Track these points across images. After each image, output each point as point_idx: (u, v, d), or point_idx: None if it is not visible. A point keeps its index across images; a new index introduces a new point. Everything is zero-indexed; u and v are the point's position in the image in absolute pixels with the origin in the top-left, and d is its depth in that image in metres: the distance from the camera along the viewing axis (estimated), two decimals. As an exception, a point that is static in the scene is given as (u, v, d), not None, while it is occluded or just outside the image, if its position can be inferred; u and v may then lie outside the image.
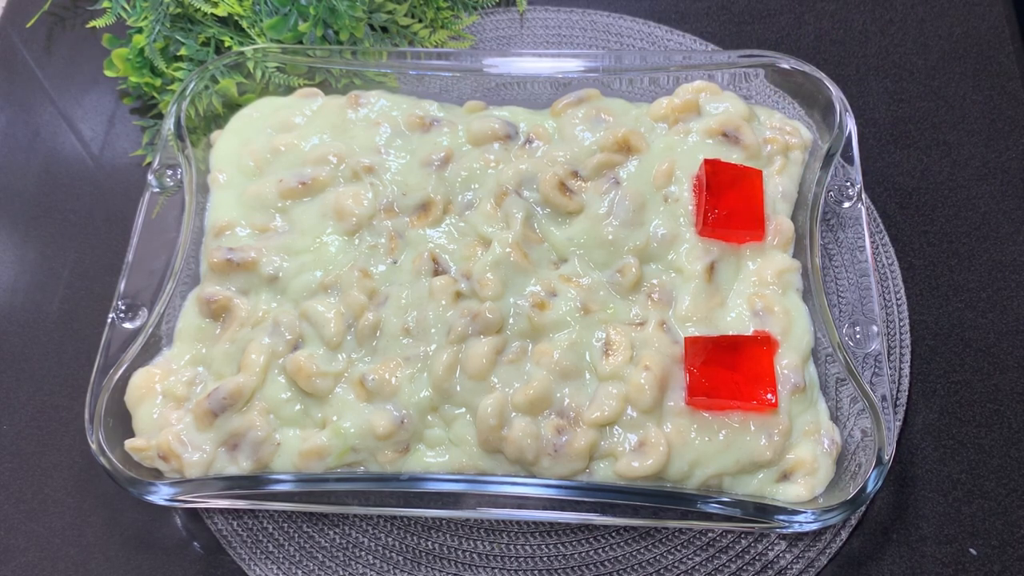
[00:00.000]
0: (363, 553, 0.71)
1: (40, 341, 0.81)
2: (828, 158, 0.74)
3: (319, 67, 0.82)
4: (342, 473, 0.66)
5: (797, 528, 0.65)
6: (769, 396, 0.64)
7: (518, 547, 0.71)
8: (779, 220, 0.72)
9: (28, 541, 0.73)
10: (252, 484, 0.65)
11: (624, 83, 0.80)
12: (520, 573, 0.70)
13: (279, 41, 0.86)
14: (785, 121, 0.78)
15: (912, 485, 0.72)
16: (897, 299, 0.79)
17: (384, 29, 0.91)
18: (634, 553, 0.71)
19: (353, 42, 0.88)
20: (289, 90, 0.82)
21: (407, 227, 0.72)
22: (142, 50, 0.87)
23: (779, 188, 0.74)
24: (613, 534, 0.71)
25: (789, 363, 0.67)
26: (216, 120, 0.81)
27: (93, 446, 0.65)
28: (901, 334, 0.77)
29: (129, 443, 0.66)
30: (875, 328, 0.68)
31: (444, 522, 0.72)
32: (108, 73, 0.89)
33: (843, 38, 0.93)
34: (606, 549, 0.71)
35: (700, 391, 0.65)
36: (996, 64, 0.90)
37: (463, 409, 0.66)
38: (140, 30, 0.88)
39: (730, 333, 0.68)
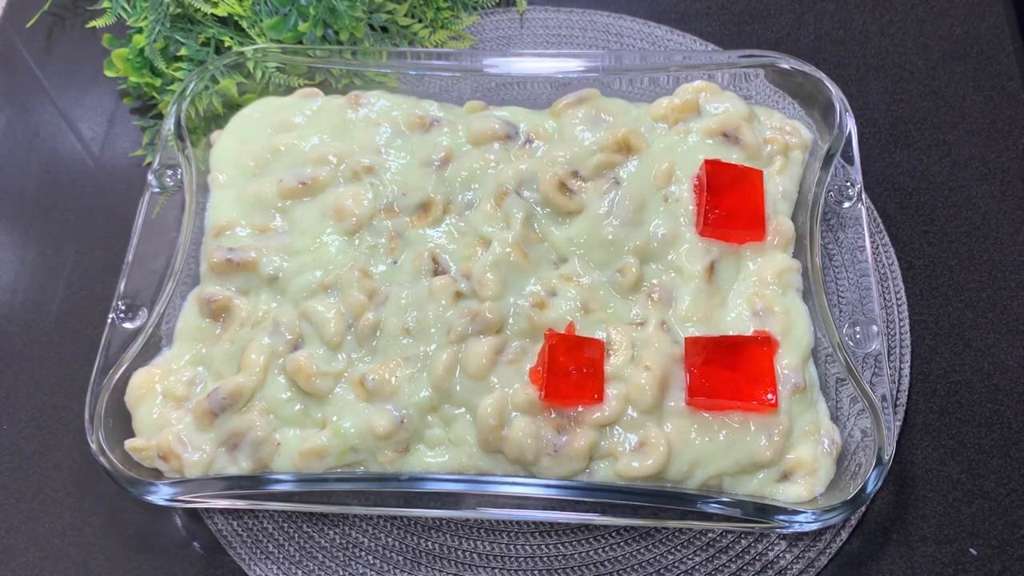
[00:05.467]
0: (363, 553, 0.71)
1: (40, 341, 0.81)
2: (828, 158, 0.74)
3: (319, 67, 0.82)
4: (342, 473, 0.66)
5: (797, 528, 0.64)
6: (769, 396, 0.64)
7: (518, 547, 0.71)
8: (779, 220, 0.72)
9: (28, 541, 0.73)
10: (252, 484, 0.65)
11: (624, 83, 0.80)
12: (520, 573, 0.70)
13: (279, 41, 0.86)
14: (785, 121, 0.78)
15: (912, 485, 0.72)
16: (897, 299, 0.79)
17: (384, 29, 0.91)
18: (634, 553, 0.71)
19: (353, 42, 0.88)
20: (289, 90, 0.82)
21: (407, 227, 0.72)
22: (142, 50, 0.87)
23: (779, 188, 0.74)
24: (613, 534, 0.71)
25: (789, 363, 0.67)
26: (216, 120, 0.81)
27: (93, 446, 0.65)
28: (901, 334, 0.77)
29: (129, 443, 0.67)
30: (875, 328, 0.68)
31: (444, 522, 0.72)
32: (108, 73, 0.89)
33: (843, 38, 0.93)
34: (606, 549, 0.71)
35: (700, 391, 0.65)
36: (996, 64, 0.90)
37: (463, 409, 0.66)
38: (140, 30, 0.88)
39: (730, 333, 0.68)
